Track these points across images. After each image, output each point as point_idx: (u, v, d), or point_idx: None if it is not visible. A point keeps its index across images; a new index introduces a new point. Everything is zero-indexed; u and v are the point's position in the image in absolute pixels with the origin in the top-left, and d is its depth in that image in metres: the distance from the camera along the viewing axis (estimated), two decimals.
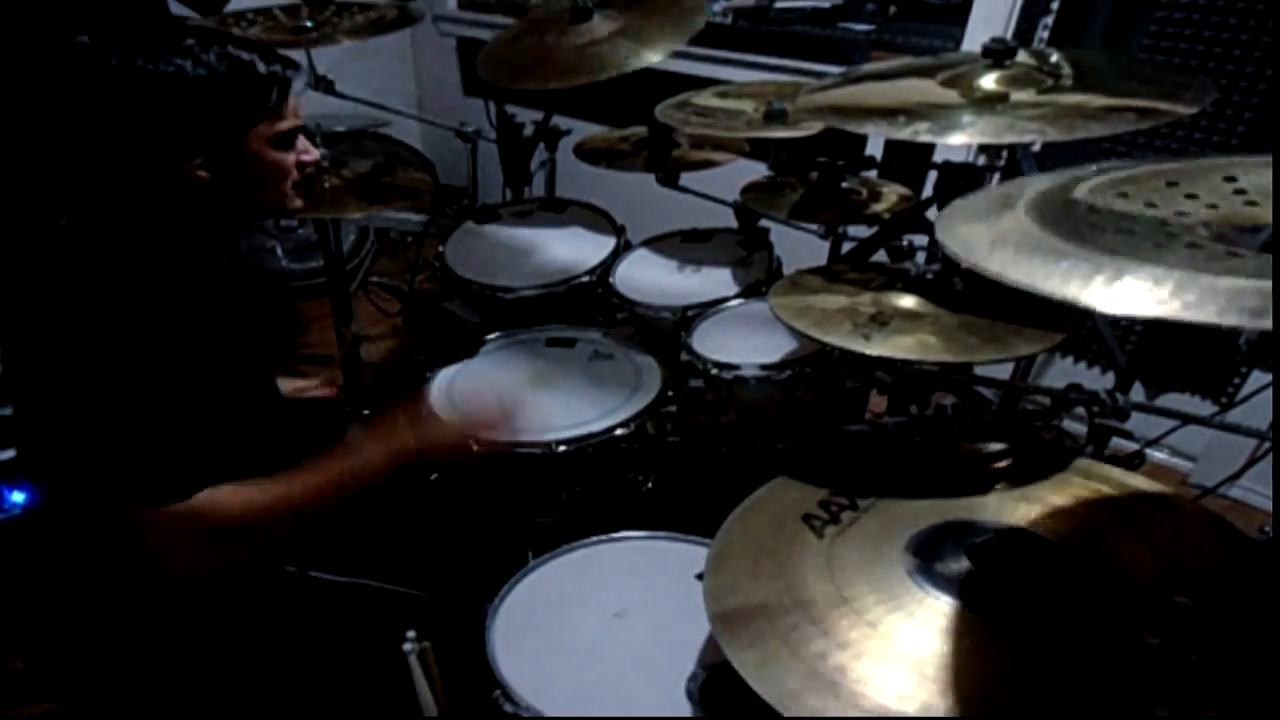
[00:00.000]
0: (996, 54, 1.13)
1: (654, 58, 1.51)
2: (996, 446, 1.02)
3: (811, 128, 1.51)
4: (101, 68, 0.86)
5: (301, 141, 1.02)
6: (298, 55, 1.82)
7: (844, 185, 1.75)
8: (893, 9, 2.46)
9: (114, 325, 0.89)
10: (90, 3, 1.84)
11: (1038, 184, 0.83)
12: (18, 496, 1.76)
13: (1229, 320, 0.53)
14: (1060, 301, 0.62)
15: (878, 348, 1.05)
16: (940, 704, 0.68)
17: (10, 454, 1.78)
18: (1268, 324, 0.52)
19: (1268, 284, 0.55)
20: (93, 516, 0.99)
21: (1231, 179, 0.76)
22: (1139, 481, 0.94)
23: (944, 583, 0.79)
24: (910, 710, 0.68)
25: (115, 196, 0.94)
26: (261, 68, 0.93)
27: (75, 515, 1.02)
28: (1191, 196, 0.74)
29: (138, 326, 0.90)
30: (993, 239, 0.73)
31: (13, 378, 1.00)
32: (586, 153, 2.02)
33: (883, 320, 1.11)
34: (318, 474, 1.01)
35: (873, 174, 1.85)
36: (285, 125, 0.97)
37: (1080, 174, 0.83)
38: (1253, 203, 0.72)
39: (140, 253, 0.96)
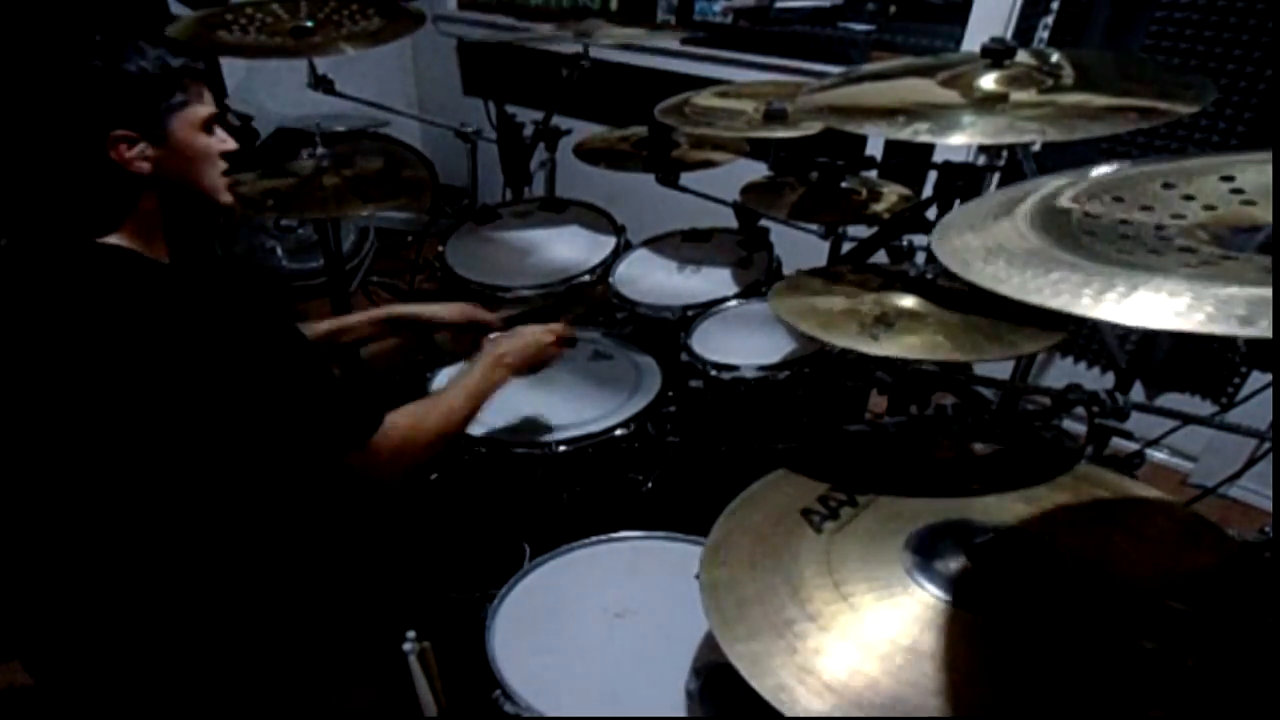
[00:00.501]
0: (996, 54, 1.13)
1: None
2: (980, 446, 1.03)
3: (811, 128, 1.51)
4: (15, 69, 0.92)
5: (220, 131, 1.07)
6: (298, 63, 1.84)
7: (844, 185, 1.75)
8: (893, 9, 2.46)
9: (223, 321, 0.97)
10: (91, 2, 1.84)
11: (1037, 189, 0.83)
12: None
13: (1218, 328, 0.53)
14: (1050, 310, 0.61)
15: (887, 348, 1.05)
16: (933, 702, 0.68)
17: None
18: (1259, 332, 0.51)
19: (1262, 291, 0.55)
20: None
21: (1229, 178, 0.75)
22: (1136, 486, 0.94)
23: (943, 581, 0.79)
24: (900, 705, 0.68)
25: (64, 192, 0.97)
26: (170, 60, 0.99)
27: (76, 511, 1.02)
28: (1188, 198, 0.74)
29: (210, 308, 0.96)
30: (986, 249, 0.72)
31: None
32: (586, 153, 2.02)
33: (888, 321, 1.11)
34: (459, 389, 1.21)
35: (873, 174, 1.85)
36: (204, 111, 1.03)
37: (1073, 178, 0.83)
38: (1250, 202, 0.72)
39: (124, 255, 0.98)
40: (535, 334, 1.33)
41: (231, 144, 1.07)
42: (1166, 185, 0.77)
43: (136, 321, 0.93)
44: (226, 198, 1.09)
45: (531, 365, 1.32)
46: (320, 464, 1.06)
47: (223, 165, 1.07)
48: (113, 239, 0.98)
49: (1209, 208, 0.72)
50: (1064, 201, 0.78)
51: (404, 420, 1.11)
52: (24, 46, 0.91)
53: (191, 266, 1.04)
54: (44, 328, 0.95)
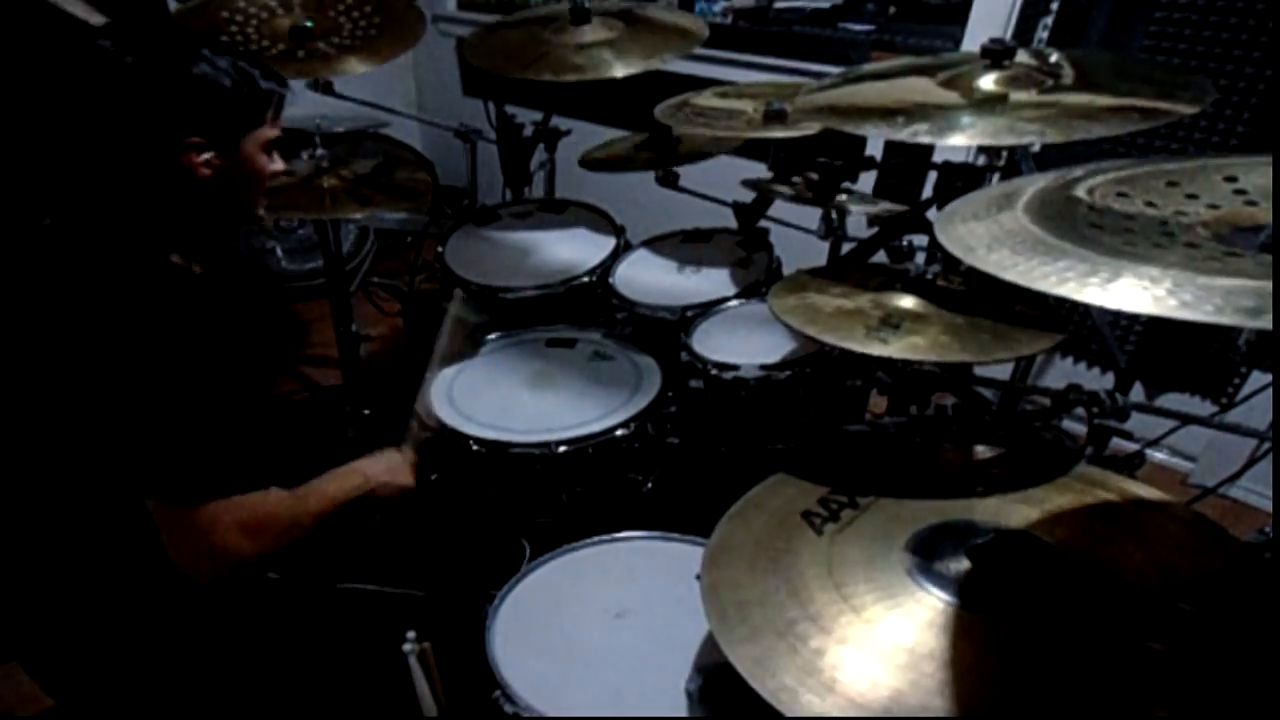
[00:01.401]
0: (996, 54, 1.13)
1: (619, 72, 1.62)
2: (984, 450, 1.03)
3: (810, 128, 1.51)
4: (124, 67, 0.95)
5: (275, 154, 1.11)
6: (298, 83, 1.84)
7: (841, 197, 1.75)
8: (893, 9, 2.46)
9: (120, 323, 0.94)
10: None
11: (1036, 183, 0.83)
12: None
13: (1225, 319, 0.53)
14: (1058, 298, 0.62)
15: (895, 349, 1.05)
16: (937, 702, 0.68)
17: None
18: (1264, 324, 0.52)
19: (1265, 284, 0.55)
20: (100, 513, 1.00)
21: (1232, 179, 0.76)
22: (1137, 487, 0.94)
23: (944, 582, 0.79)
24: (906, 707, 0.68)
25: (123, 189, 1.00)
26: (262, 82, 1.03)
27: (81, 512, 1.02)
28: (1192, 196, 0.74)
29: (142, 325, 0.94)
30: (991, 238, 0.73)
31: None
32: (592, 163, 2.02)
33: (895, 323, 1.11)
34: (311, 498, 1.10)
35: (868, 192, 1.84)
36: (273, 134, 1.07)
37: (1078, 173, 0.83)
38: (1253, 203, 0.72)
39: (136, 249, 0.99)
40: (394, 456, 1.28)
41: (281, 166, 1.12)
42: (1170, 184, 0.77)
43: (72, 305, 0.94)
44: (261, 211, 1.13)
45: (384, 484, 1.23)
46: (128, 502, 0.96)
47: (266, 184, 1.11)
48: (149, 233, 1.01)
49: (1212, 206, 0.72)
50: (1079, 193, 0.78)
51: (236, 517, 0.99)
52: (127, 47, 0.95)
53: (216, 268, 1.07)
54: (32, 309, 0.97)
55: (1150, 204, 0.74)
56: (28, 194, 1.09)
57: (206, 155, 1.00)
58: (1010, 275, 0.66)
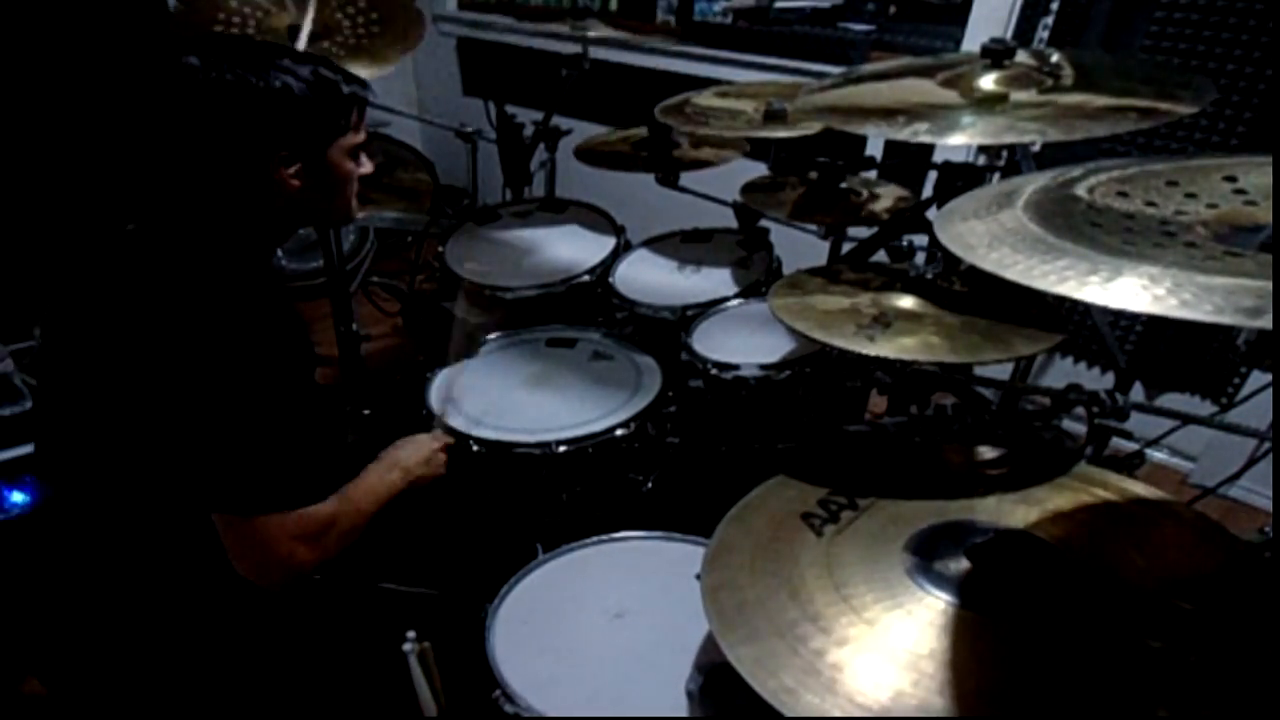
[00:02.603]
0: (996, 54, 1.13)
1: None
2: (987, 451, 1.03)
3: (810, 128, 1.51)
4: (215, 84, 0.94)
5: (364, 156, 1.11)
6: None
7: (843, 186, 1.75)
8: (893, 9, 2.46)
9: (212, 331, 0.94)
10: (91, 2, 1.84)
11: (1035, 182, 0.83)
12: (18, 497, 1.76)
13: (1225, 319, 0.54)
14: (1058, 299, 0.62)
15: (882, 349, 1.05)
16: (937, 702, 0.68)
17: (10, 454, 1.79)
18: (1263, 323, 0.52)
19: (1265, 284, 0.55)
20: (144, 523, 1.00)
21: (1232, 179, 0.76)
22: (1137, 486, 0.94)
23: (943, 582, 0.79)
24: (906, 707, 0.68)
25: (215, 201, 1.00)
26: (344, 88, 1.03)
27: (107, 517, 1.02)
28: (1191, 196, 0.75)
29: (231, 337, 0.95)
30: (990, 236, 0.73)
31: (54, 375, 1.04)
32: (586, 154, 2.02)
33: (885, 321, 1.11)
34: (362, 500, 1.12)
35: (872, 174, 1.85)
36: (359, 139, 1.07)
37: (1076, 173, 0.83)
38: (1252, 203, 0.72)
39: (224, 258, 1.01)
40: (427, 443, 1.28)
41: (370, 168, 1.11)
42: (1170, 183, 0.77)
43: (157, 320, 0.94)
44: (354, 214, 1.13)
45: (422, 475, 1.25)
46: (200, 513, 0.97)
47: (356, 188, 1.11)
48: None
49: (1211, 206, 0.72)
50: (1080, 191, 0.78)
51: (301, 523, 1.01)
52: (214, 63, 0.95)
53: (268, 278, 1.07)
54: (111, 315, 0.97)
55: (1150, 203, 0.74)
56: (116, 207, 1.08)
57: (295, 167, 1.00)
58: (1010, 274, 0.66)
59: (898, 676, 0.71)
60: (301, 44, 1.53)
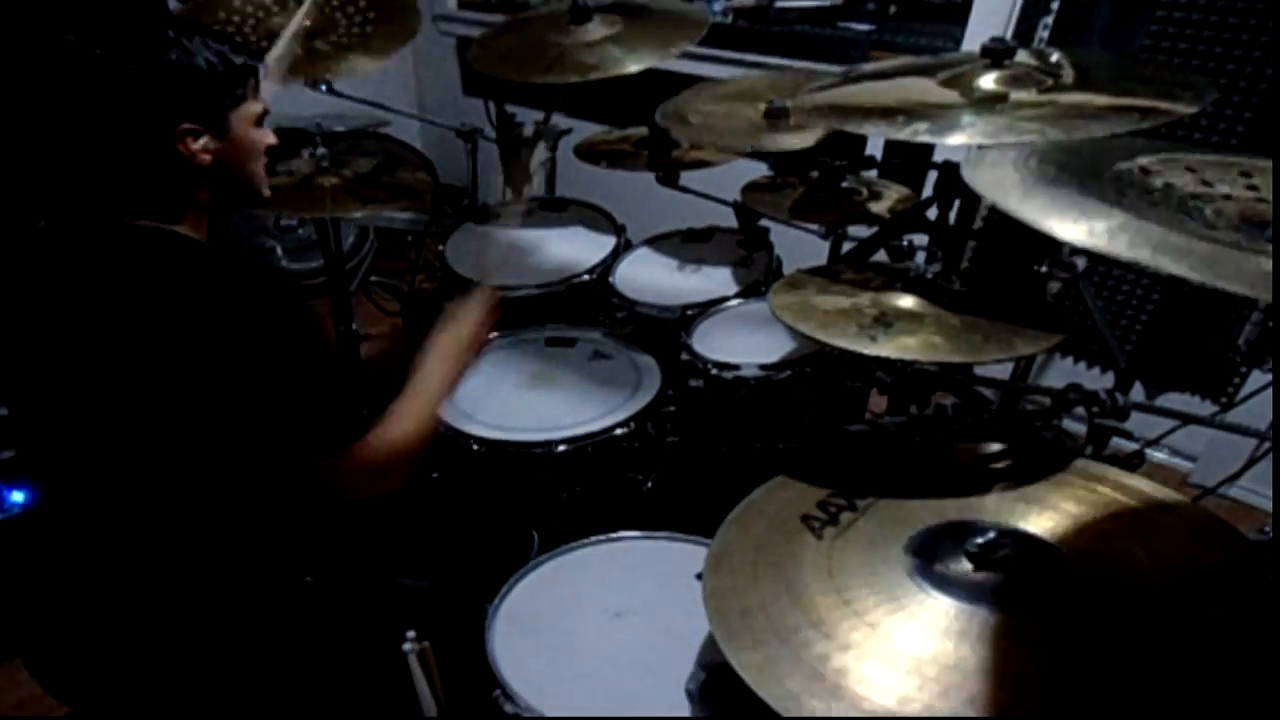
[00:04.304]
0: (996, 54, 1.13)
1: (633, 67, 1.60)
2: (995, 447, 1.02)
3: (812, 136, 1.51)
4: (94, 61, 0.92)
5: (265, 126, 1.09)
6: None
7: (844, 185, 1.75)
8: (893, 9, 2.46)
9: (198, 309, 0.95)
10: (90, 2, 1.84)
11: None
12: (18, 496, 1.76)
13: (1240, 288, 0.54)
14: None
15: (884, 349, 1.05)
16: (943, 705, 0.68)
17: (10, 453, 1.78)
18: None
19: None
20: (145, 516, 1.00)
21: (1246, 174, 0.76)
22: (1139, 483, 0.94)
23: (944, 583, 0.79)
24: (911, 711, 0.68)
25: (127, 182, 0.99)
26: (234, 57, 1.02)
27: (98, 514, 1.02)
28: (1206, 184, 0.75)
29: (213, 305, 0.95)
30: (1022, 182, 0.73)
31: (24, 377, 1.02)
32: (586, 152, 2.02)
33: (887, 321, 1.11)
34: (432, 392, 1.15)
35: (873, 174, 1.85)
36: (258, 107, 1.06)
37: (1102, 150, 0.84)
38: (1263, 200, 0.73)
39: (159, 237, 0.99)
40: (473, 314, 1.26)
41: (274, 139, 1.10)
42: (1188, 169, 0.77)
43: (163, 299, 0.94)
44: (267, 190, 1.12)
45: (475, 347, 1.25)
46: (293, 466, 1.00)
47: (264, 160, 1.10)
48: (168, 225, 1.00)
49: (1226, 197, 0.73)
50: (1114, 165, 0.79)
51: (389, 430, 1.06)
52: (95, 39, 0.92)
53: (230, 254, 1.05)
54: (77, 306, 0.96)
55: (1169, 185, 0.75)
56: (20, 197, 1.07)
57: (203, 140, 0.98)
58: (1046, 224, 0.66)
59: (903, 680, 0.71)
60: (282, 43, 1.52)
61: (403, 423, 1.08)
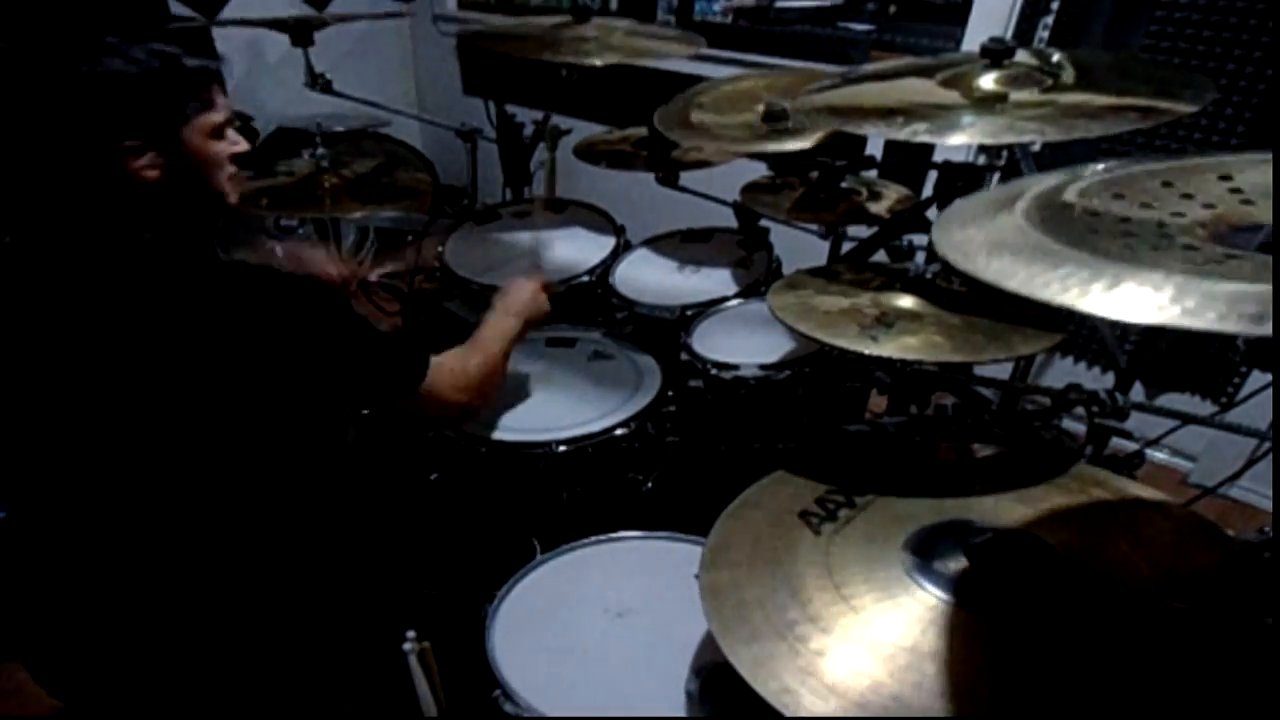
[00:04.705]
0: (996, 54, 1.13)
1: (614, 57, 1.64)
2: (984, 450, 1.03)
3: (812, 137, 1.51)
4: (33, 74, 0.86)
5: (231, 133, 1.04)
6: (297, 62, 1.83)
7: (843, 185, 1.75)
8: (893, 9, 2.46)
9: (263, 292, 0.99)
10: (90, 2, 1.84)
11: (1036, 185, 0.83)
12: None
13: (1229, 327, 0.53)
14: (1058, 307, 0.62)
15: (885, 349, 1.05)
16: (936, 702, 0.68)
17: None
18: (1267, 330, 0.51)
19: (1266, 288, 0.55)
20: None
21: (1227, 178, 0.75)
22: (1135, 487, 0.94)
23: (943, 581, 0.79)
24: (904, 705, 0.68)
25: (74, 204, 0.93)
26: (188, 61, 0.95)
27: (92, 514, 1.02)
28: (1187, 196, 0.74)
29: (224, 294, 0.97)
30: (990, 243, 0.73)
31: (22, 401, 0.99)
32: (585, 152, 2.02)
33: (887, 321, 1.11)
34: (491, 343, 1.30)
35: (873, 174, 1.85)
36: (219, 117, 1.00)
37: (1074, 175, 0.83)
38: (1249, 202, 0.72)
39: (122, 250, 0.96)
40: (530, 286, 1.43)
41: (243, 145, 1.05)
42: (1165, 184, 0.77)
43: (190, 310, 0.93)
44: (234, 199, 1.07)
45: (534, 315, 1.41)
46: (379, 410, 1.15)
47: (231, 168, 1.05)
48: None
49: (1208, 206, 0.72)
50: (1069, 196, 0.78)
51: (451, 362, 1.20)
52: (34, 50, 0.86)
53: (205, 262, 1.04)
54: (84, 324, 0.93)
55: (1146, 205, 0.74)
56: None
57: (147, 157, 0.92)
58: (1012, 284, 0.66)
59: (898, 677, 0.71)
60: None
61: (468, 355, 1.24)
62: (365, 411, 1.19)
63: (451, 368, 1.20)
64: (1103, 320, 1.54)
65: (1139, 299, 0.58)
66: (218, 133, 1.01)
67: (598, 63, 1.58)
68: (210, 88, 0.98)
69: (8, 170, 0.92)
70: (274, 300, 0.99)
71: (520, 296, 1.40)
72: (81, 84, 0.87)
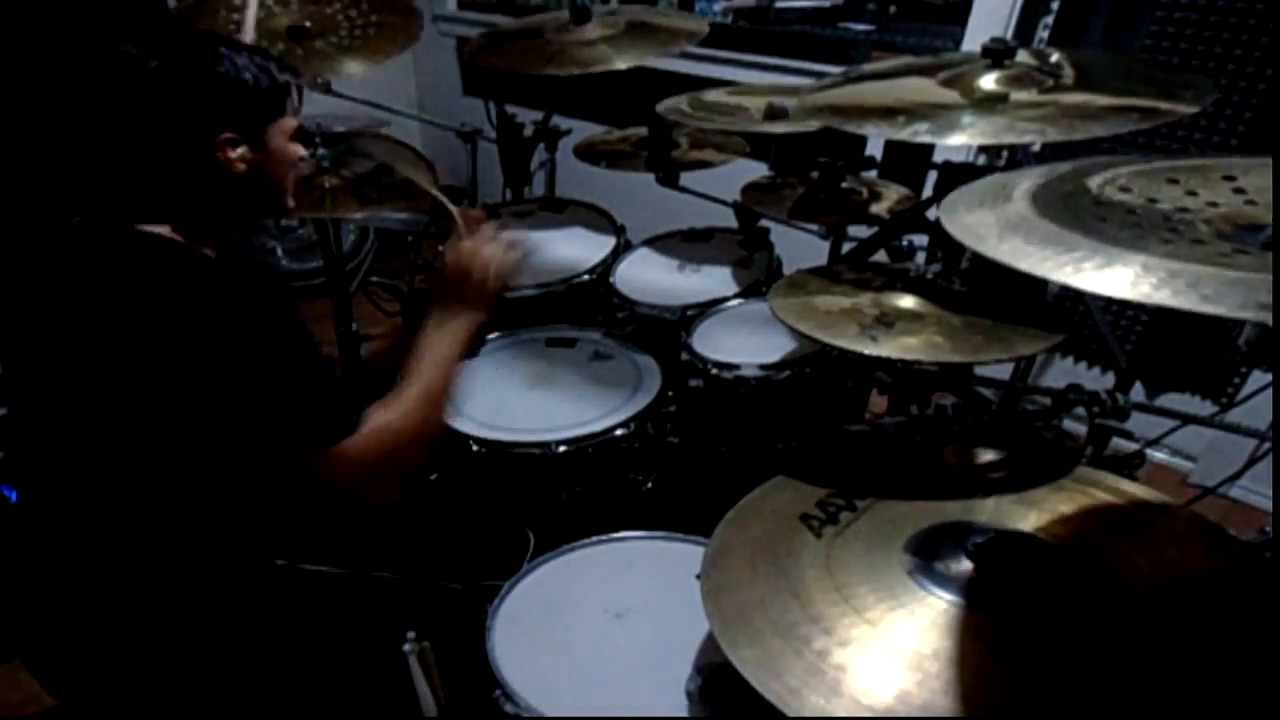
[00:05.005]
0: (996, 54, 1.13)
1: (620, 65, 1.63)
2: (988, 454, 1.03)
3: (810, 125, 1.51)
4: (157, 73, 0.97)
5: (296, 142, 1.13)
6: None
7: (844, 185, 1.75)
8: (893, 9, 2.46)
9: (211, 301, 0.97)
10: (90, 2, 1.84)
11: (1031, 176, 0.83)
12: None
13: (1247, 315, 0.54)
14: (1058, 299, 0.62)
15: (885, 349, 1.05)
16: (942, 702, 0.68)
17: None
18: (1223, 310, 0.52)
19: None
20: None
21: (1230, 178, 0.76)
22: (1135, 488, 0.94)
23: (945, 582, 0.79)
24: (908, 705, 0.68)
25: (162, 188, 1.02)
26: (278, 73, 1.06)
27: (89, 511, 1.02)
28: (1192, 194, 0.75)
29: (227, 297, 0.98)
30: (1001, 226, 0.73)
31: (25, 378, 1.04)
32: (586, 152, 2.02)
33: (888, 321, 1.11)
34: (431, 368, 1.11)
35: (873, 174, 1.85)
36: (294, 122, 1.10)
37: (1082, 168, 0.83)
38: (1252, 202, 0.72)
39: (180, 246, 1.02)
40: (466, 254, 1.16)
41: (304, 152, 1.14)
42: (1171, 180, 0.77)
43: (154, 303, 0.96)
44: (292, 202, 1.15)
45: (495, 291, 1.17)
46: (287, 462, 1.00)
47: (295, 171, 1.14)
48: (162, 229, 1.02)
49: (1212, 204, 0.72)
50: (1092, 185, 0.78)
51: (390, 417, 1.03)
52: (151, 52, 0.98)
53: (232, 259, 1.07)
54: (79, 306, 0.99)
55: (1152, 200, 0.74)
56: (59, 196, 1.10)
57: (240, 150, 1.02)
58: (1025, 264, 0.66)
59: (902, 677, 0.71)
60: (248, 33, 1.53)
61: (395, 412, 1.04)
62: (265, 466, 1.01)
63: (386, 413, 1.03)
64: (1103, 319, 1.54)
65: (1151, 283, 0.59)
66: (292, 136, 1.10)
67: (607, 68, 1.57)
68: (290, 95, 1.09)
69: (111, 152, 1.02)
70: (232, 306, 0.98)
71: (458, 287, 1.15)
72: (197, 81, 0.98)
